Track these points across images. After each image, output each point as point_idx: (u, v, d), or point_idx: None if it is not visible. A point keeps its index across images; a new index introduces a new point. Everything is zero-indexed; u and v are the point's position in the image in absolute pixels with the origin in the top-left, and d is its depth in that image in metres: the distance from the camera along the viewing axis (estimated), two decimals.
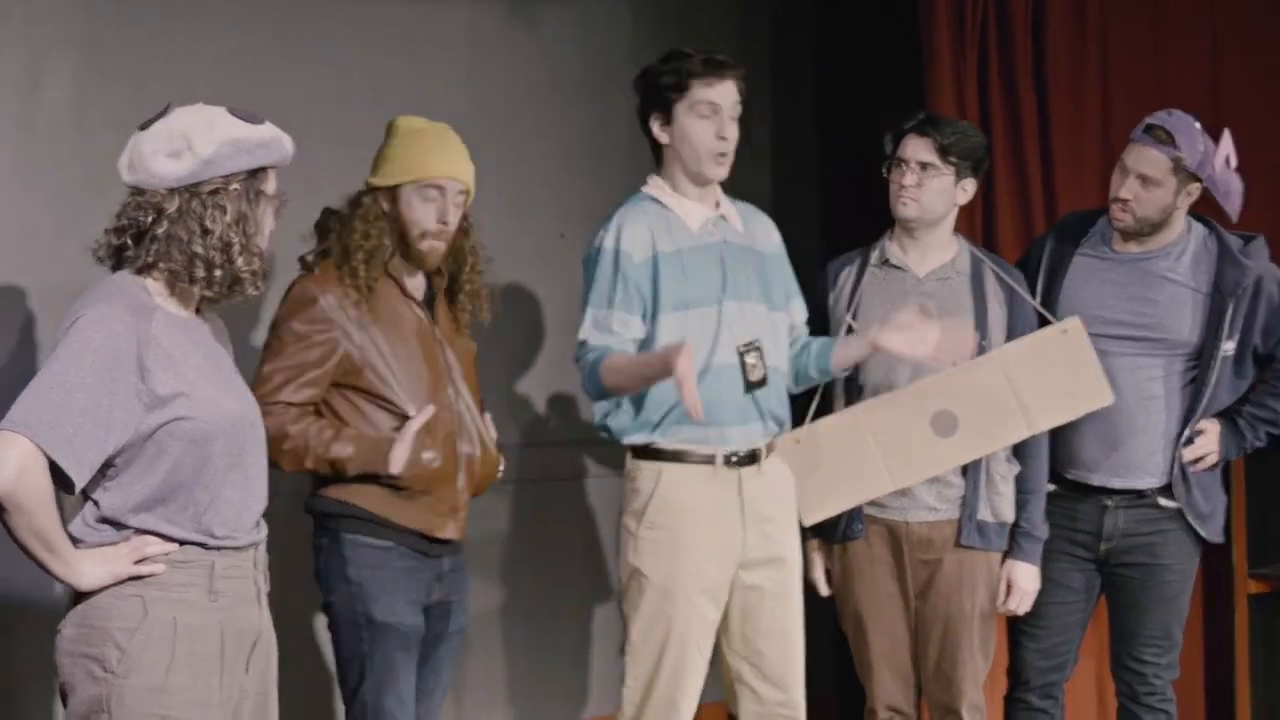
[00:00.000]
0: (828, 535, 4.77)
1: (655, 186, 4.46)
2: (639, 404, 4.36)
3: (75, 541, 3.27)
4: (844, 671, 5.30)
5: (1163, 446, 4.79)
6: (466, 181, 4.25)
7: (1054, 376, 4.65)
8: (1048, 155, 5.69)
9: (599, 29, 5.89)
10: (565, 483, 5.82)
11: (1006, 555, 4.74)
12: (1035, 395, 4.65)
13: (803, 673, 4.51)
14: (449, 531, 4.20)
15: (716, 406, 4.32)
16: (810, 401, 4.69)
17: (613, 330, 4.32)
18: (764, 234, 4.55)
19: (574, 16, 5.82)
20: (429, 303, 4.27)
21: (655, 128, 4.41)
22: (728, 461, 4.36)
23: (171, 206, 3.31)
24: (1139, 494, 4.80)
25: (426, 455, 4.11)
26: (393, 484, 4.10)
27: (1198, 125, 4.73)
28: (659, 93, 4.38)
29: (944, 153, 4.67)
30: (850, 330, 4.71)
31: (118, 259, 3.37)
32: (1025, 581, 4.73)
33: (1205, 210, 4.84)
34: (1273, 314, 4.80)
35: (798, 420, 4.65)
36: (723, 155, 4.35)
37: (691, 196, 4.42)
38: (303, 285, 4.13)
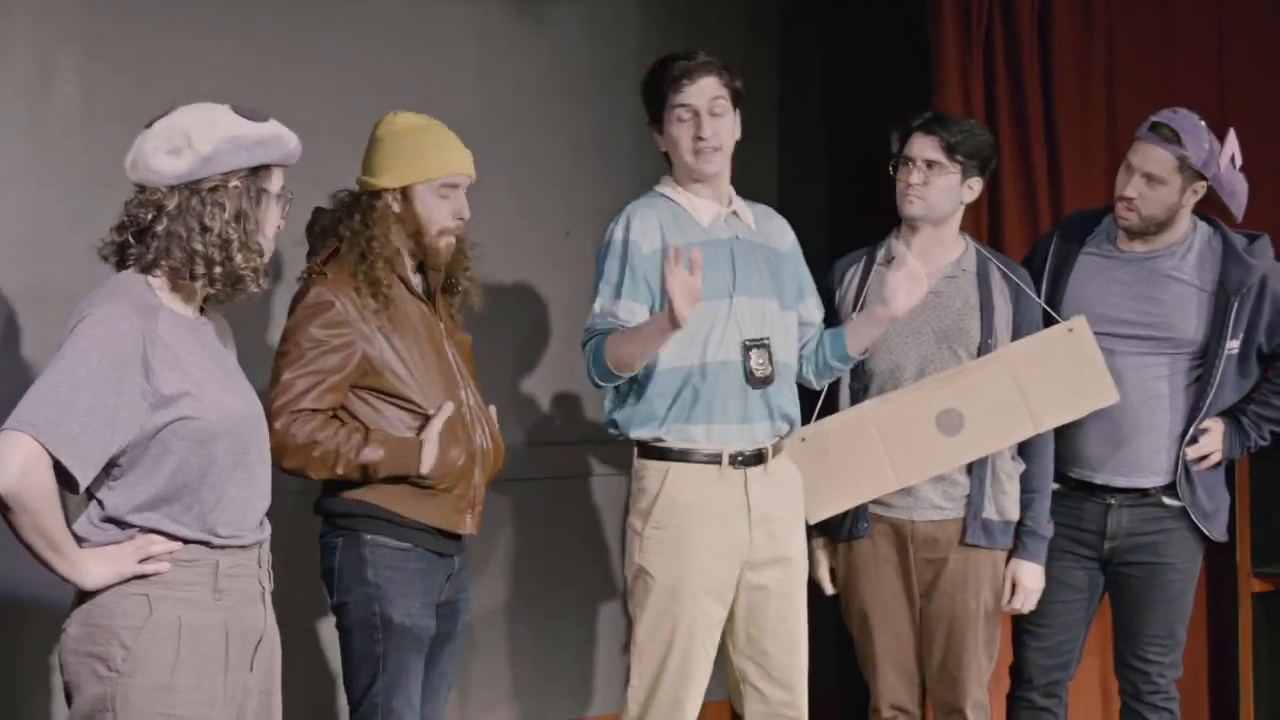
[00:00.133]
0: (833, 534, 4.78)
1: (667, 185, 4.47)
2: (643, 396, 4.37)
3: (80, 540, 3.29)
4: (846, 670, 5.31)
5: (1167, 445, 4.79)
6: (473, 175, 4.25)
7: (1060, 375, 4.65)
8: (1054, 153, 5.70)
9: (607, 27, 5.89)
10: (570, 481, 5.82)
11: (1011, 554, 4.75)
12: (1041, 394, 4.66)
13: (806, 673, 4.51)
14: (468, 527, 4.20)
15: (723, 402, 4.34)
16: (816, 400, 4.70)
17: (619, 317, 4.34)
18: (778, 233, 4.56)
19: (582, 14, 5.82)
20: (429, 297, 4.26)
21: (656, 137, 4.46)
22: (734, 461, 4.37)
23: (171, 204, 3.32)
24: (1143, 493, 4.81)
25: (453, 453, 4.11)
26: (418, 483, 4.09)
27: (1203, 124, 4.74)
28: (649, 103, 4.44)
29: (950, 151, 4.68)
30: None
31: (121, 257, 3.39)
32: (1030, 580, 4.74)
33: (1209, 209, 4.84)
34: (1277, 313, 4.80)
35: (804, 418, 4.66)
36: (709, 150, 4.35)
37: (702, 195, 4.43)
38: (317, 290, 4.08)
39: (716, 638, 4.43)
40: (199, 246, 3.32)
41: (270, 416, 3.91)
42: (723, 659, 4.51)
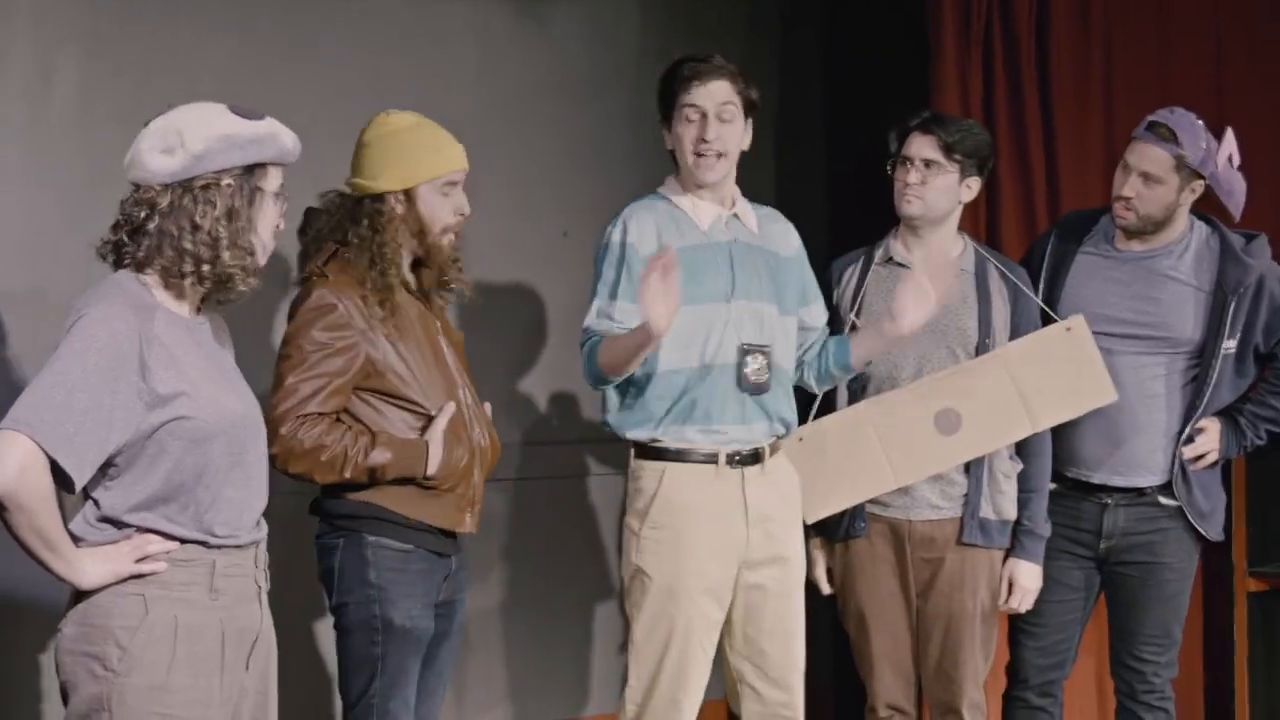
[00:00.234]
0: (830, 533, 4.78)
1: (669, 187, 4.48)
2: (641, 398, 4.38)
3: (76, 540, 3.29)
4: (843, 670, 5.31)
5: (1163, 445, 4.80)
6: (468, 168, 4.25)
7: (1058, 374, 4.66)
8: (1051, 153, 5.70)
9: (607, 27, 5.89)
10: (567, 481, 5.82)
11: (1009, 553, 4.75)
12: (1039, 393, 4.66)
13: (803, 673, 4.52)
14: (468, 525, 4.19)
15: (720, 405, 4.35)
16: (813, 399, 4.70)
17: (614, 319, 4.34)
18: (781, 237, 4.55)
19: (582, 14, 5.83)
20: (423, 295, 4.25)
21: (665, 136, 4.45)
22: (730, 461, 4.38)
23: (164, 202, 3.32)
24: (1139, 492, 4.81)
25: (457, 452, 4.11)
26: (422, 484, 4.08)
27: (1200, 123, 4.74)
28: (661, 103, 4.44)
29: (949, 150, 4.68)
30: (854, 328, 4.72)
31: (118, 256, 3.39)
32: (1027, 580, 4.74)
33: (1207, 209, 4.84)
34: (1274, 313, 4.80)
35: (801, 418, 4.66)
36: (705, 155, 4.35)
37: (704, 198, 4.43)
38: (319, 292, 4.05)
39: (714, 638, 4.43)
40: (188, 245, 3.32)
41: (275, 422, 3.91)
42: (720, 659, 4.51)
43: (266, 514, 3.52)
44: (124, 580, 3.29)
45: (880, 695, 4.79)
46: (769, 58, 6.26)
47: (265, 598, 3.49)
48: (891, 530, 4.72)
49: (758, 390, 4.37)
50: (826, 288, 4.80)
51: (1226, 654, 5.65)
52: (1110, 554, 4.84)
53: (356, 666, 4.11)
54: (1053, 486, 4.81)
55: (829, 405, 4.74)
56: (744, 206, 4.50)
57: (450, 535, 4.19)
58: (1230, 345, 4.78)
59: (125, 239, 3.36)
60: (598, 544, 5.86)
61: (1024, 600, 4.75)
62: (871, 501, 4.71)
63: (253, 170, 3.38)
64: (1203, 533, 4.85)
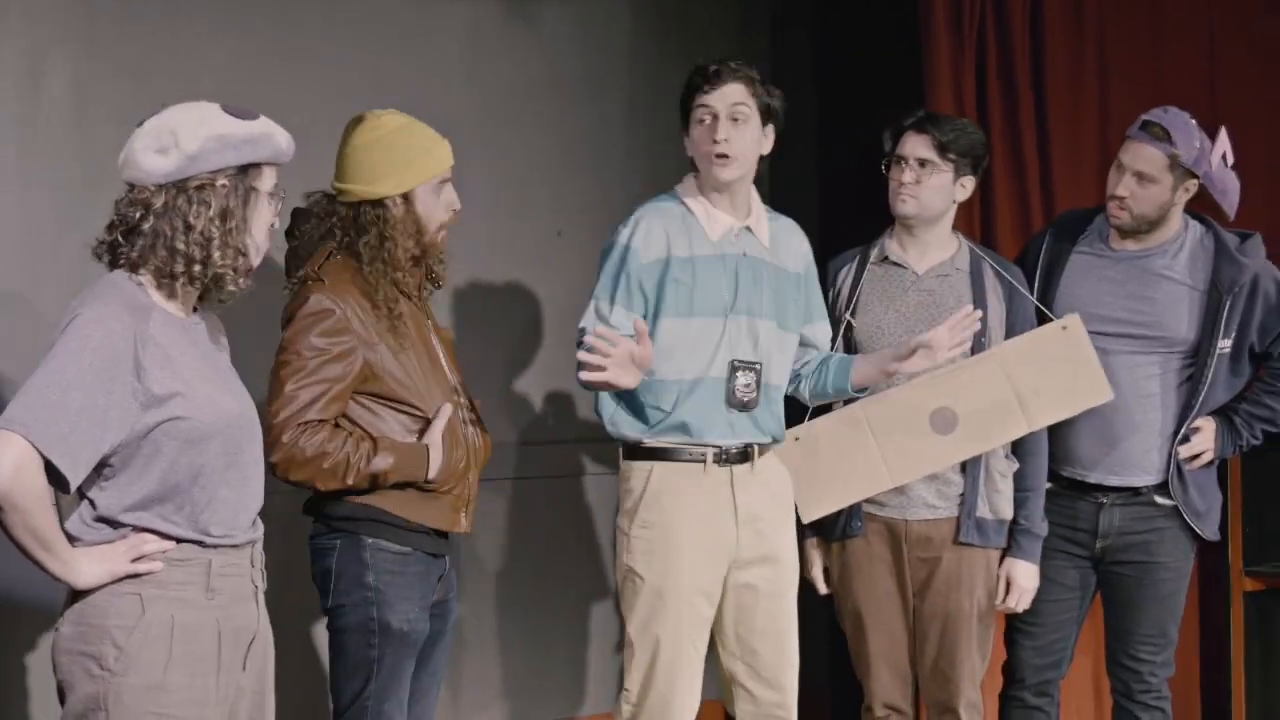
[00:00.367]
0: (826, 533, 4.78)
1: (686, 189, 4.47)
2: (634, 403, 4.39)
3: (72, 540, 3.28)
4: (839, 669, 5.31)
5: (1159, 444, 4.80)
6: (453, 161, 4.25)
7: (1054, 373, 4.65)
8: (1045, 153, 5.70)
9: (598, 27, 5.89)
10: (563, 480, 5.82)
11: (1005, 553, 4.75)
12: (1035, 392, 4.66)
13: (796, 673, 4.51)
14: (463, 525, 4.19)
15: (706, 419, 4.36)
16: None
17: (609, 323, 4.34)
18: (793, 252, 4.54)
19: (573, 14, 5.82)
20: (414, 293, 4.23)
21: (685, 141, 4.45)
22: (718, 460, 4.38)
23: (158, 202, 3.32)
24: (1135, 491, 4.81)
25: (456, 454, 4.10)
26: (422, 487, 4.07)
27: (1194, 122, 4.75)
28: (681, 108, 4.44)
29: (943, 150, 4.68)
30: (850, 328, 4.72)
31: (113, 256, 3.38)
32: (1024, 579, 4.74)
33: (1202, 208, 4.84)
34: (1269, 312, 4.81)
35: (798, 418, 4.66)
36: (719, 157, 4.35)
37: (720, 205, 4.42)
38: (316, 297, 4.02)
39: (705, 636, 4.43)
40: (181, 245, 3.32)
41: (275, 430, 3.89)
42: (714, 659, 4.51)
43: (264, 514, 3.52)
44: (120, 580, 3.28)
45: (877, 695, 4.79)
46: (761, 58, 6.22)
47: (262, 597, 3.48)
48: (888, 530, 4.72)
49: (745, 408, 4.37)
50: (821, 287, 4.80)
51: (1223, 653, 5.65)
52: (1106, 553, 4.84)
53: (352, 668, 4.10)
54: (1049, 486, 4.80)
55: (824, 405, 4.73)
56: (760, 218, 4.49)
57: (444, 535, 4.18)
58: (1225, 344, 4.78)
59: (120, 239, 3.36)
60: (594, 543, 5.85)
61: (1021, 600, 4.75)
62: (868, 501, 4.71)
63: (247, 170, 3.38)
64: (1199, 532, 4.85)
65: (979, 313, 4.55)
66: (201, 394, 3.33)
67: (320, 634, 4.62)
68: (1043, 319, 4.76)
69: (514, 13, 5.68)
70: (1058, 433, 4.79)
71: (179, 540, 3.32)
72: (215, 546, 3.36)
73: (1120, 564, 4.84)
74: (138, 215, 3.33)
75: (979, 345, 4.69)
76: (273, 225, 3.46)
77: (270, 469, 3.65)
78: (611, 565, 5.77)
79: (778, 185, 6.15)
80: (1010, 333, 4.73)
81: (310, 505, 4.14)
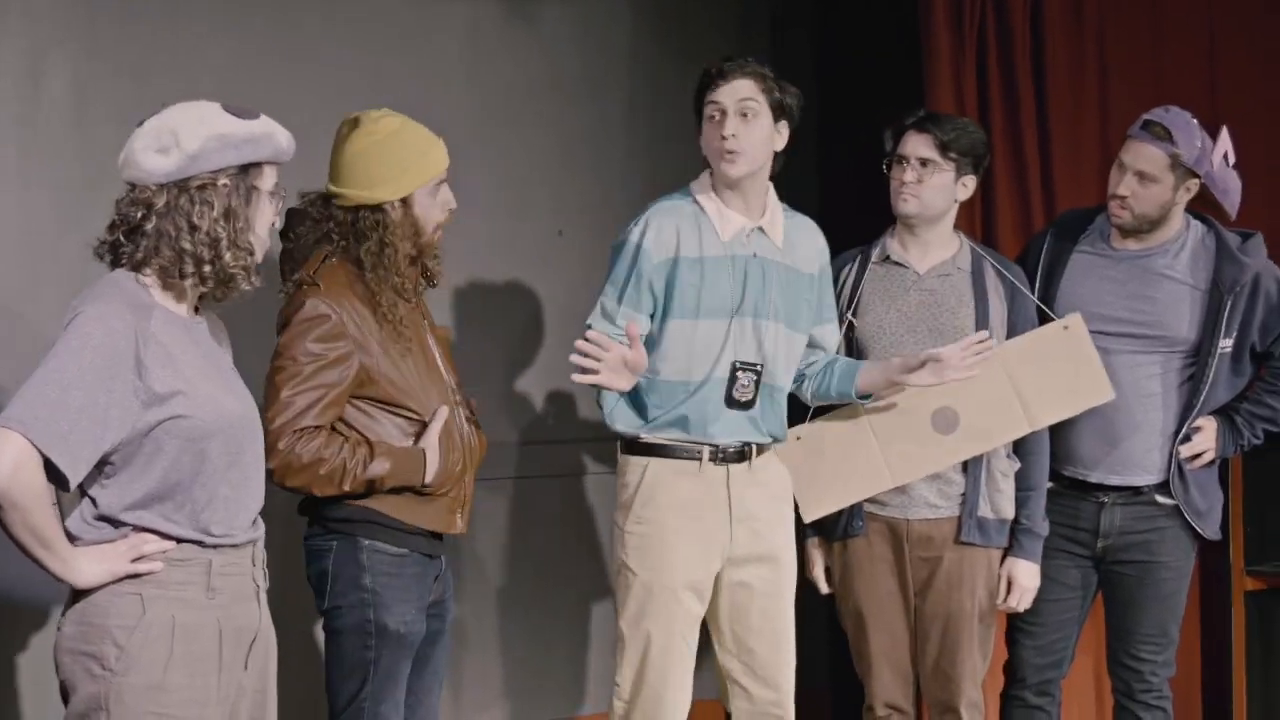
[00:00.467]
0: (828, 533, 4.78)
1: (700, 186, 4.46)
2: (636, 400, 4.40)
3: (73, 539, 3.27)
4: (839, 669, 5.31)
5: (1160, 443, 4.80)
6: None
7: (1055, 373, 4.65)
8: (1046, 152, 5.70)
9: (598, 27, 5.89)
10: (563, 479, 5.82)
11: (1007, 552, 4.75)
12: (1036, 392, 4.66)
13: (793, 672, 4.51)
14: (459, 526, 4.18)
15: (707, 418, 4.36)
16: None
17: (615, 323, 4.36)
18: (807, 254, 4.53)
19: (573, 14, 5.82)
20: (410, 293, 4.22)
21: (700, 140, 4.45)
22: (714, 458, 4.38)
23: (160, 202, 3.32)
24: (1136, 491, 4.81)
25: (453, 457, 4.10)
26: (419, 490, 4.06)
27: (1195, 122, 4.74)
28: (694, 106, 4.44)
29: (944, 149, 4.68)
30: (851, 327, 4.72)
31: (115, 256, 3.38)
32: (1026, 579, 4.74)
33: (1203, 207, 4.84)
34: (1270, 311, 4.80)
35: (799, 417, 4.66)
36: (727, 153, 4.34)
37: (733, 205, 4.41)
38: (312, 302, 4.00)
39: (695, 632, 4.43)
40: (187, 245, 3.32)
41: (271, 436, 3.87)
42: (712, 657, 4.51)
43: (264, 513, 3.51)
44: (121, 580, 3.28)
45: (878, 694, 4.79)
46: (761, 58, 6.25)
47: (264, 596, 3.48)
48: (889, 529, 4.72)
49: (742, 407, 4.37)
50: None
51: (1224, 653, 5.64)
52: (1107, 553, 4.84)
53: (348, 670, 4.09)
54: (1050, 485, 4.80)
55: (826, 406, 4.73)
56: (775, 218, 4.48)
57: (440, 536, 4.18)
58: (1226, 344, 4.78)
59: (122, 239, 3.35)
60: (594, 542, 5.85)
61: (1022, 599, 4.75)
62: (869, 501, 4.71)
63: (248, 169, 3.37)
64: (1200, 532, 4.85)
65: (993, 340, 4.55)
66: (203, 393, 3.33)
67: (321, 633, 4.62)
68: (1044, 318, 4.76)
69: (514, 13, 5.68)
70: (1059, 432, 4.78)
71: (179, 540, 3.32)
72: (216, 546, 3.36)
73: (1121, 563, 4.84)
74: (139, 215, 3.33)
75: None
76: (274, 224, 3.46)
77: (267, 475, 3.64)
78: (611, 565, 5.77)
79: (779, 185, 6.14)
80: (1012, 332, 4.73)
81: (305, 506, 4.13)
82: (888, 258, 4.78)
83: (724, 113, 4.35)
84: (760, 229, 4.43)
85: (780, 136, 4.42)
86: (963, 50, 5.65)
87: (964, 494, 4.69)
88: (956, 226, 4.83)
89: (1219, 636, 5.69)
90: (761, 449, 4.44)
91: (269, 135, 3.40)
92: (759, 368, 4.38)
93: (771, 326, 4.40)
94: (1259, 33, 5.72)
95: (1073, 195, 5.57)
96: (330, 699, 4.13)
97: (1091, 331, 4.69)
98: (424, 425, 4.08)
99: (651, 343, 4.39)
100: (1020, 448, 4.75)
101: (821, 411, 4.72)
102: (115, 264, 3.38)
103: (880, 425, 4.67)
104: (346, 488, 3.99)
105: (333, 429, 4.02)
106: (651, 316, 4.38)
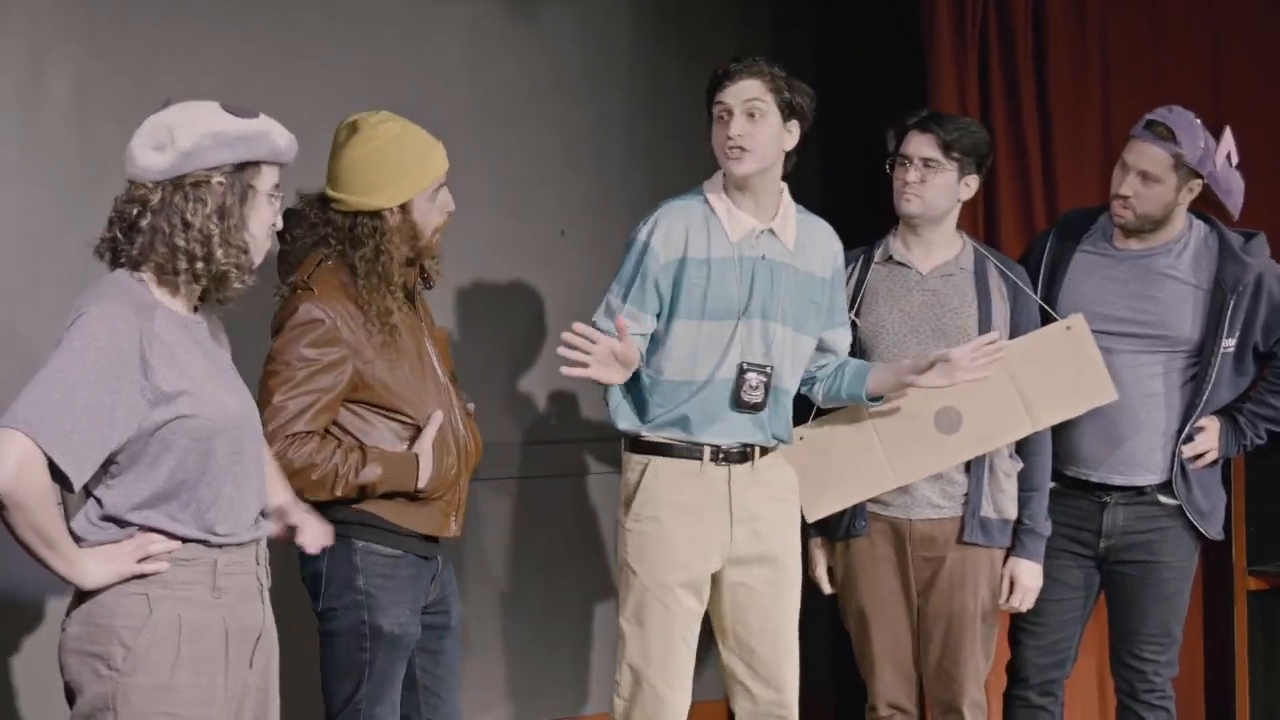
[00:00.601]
0: (830, 533, 4.78)
1: (712, 186, 4.46)
2: (641, 397, 4.41)
3: (78, 539, 3.26)
4: (842, 669, 5.31)
5: (1163, 443, 4.80)
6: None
7: (1058, 373, 4.65)
8: (1049, 152, 5.70)
9: (600, 26, 5.88)
10: (565, 479, 5.82)
11: (1009, 552, 4.75)
12: (1039, 392, 4.66)
13: (796, 673, 4.51)
14: (453, 530, 4.18)
15: (708, 417, 4.36)
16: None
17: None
18: (819, 256, 4.51)
19: (575, 14, 5.82)
20: (408, 296, 4.20)
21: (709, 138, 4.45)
22: (715, 458, 4.38)
23: (155, 199, 3.31)
24: (1139, 491, 4.81)
25: (447, 461, 4.09)
26: (412, 495, 4.06)
27: (1198, 122, 4.74)
28: (705, 108, 4.43)
29: (947, 149, 4.68)
30: (854, 327, 4.71)
31: (114, 253, 3.37)
32: (1028, 579, 4.74)
33: (1206, 208, 4.84)
34: (1273, 311, 4.80)
35: (802, 417, 4.65)
36: (734, 150, 4.34)
37: (743, 206, 4.41)
38: (305, 306, 4.00)
39: (695, 631, 4.43)
40: (180, 242, 3.30)
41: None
42: (717, 656, 4.51)
43: (264, 513, 3.50)
44: (127, 580, 3.27)
45: (881, 694, 4.79)
46: (769, 58, 6.25)
47: (267, 595, 3.48)
48: (892, 529, 4.72)
49: (751, 409, 4.37)
50: None
51: (1227, 653, 5.65)
52: (1110, 553, 4.84)
53: (343, 672, 4.10)
54: (1052, 485, 4.80)
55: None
56: (787, 220, 4.47)
57: (435, 538, 4.18)
58: (1229, 344, 4.78)
59: (120, 236, 3.35)
60: (597, 542, 5.85)
61: (1025, 599, 4.75)
62: (872, 501, 4.71)
63: (244, 168, 3.36)
64: (1202, 531, 4.85)
65: (1004, 342, 4.54)
66: (207, 392, 3.32)
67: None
68: (1047, 319, 4.76)
69: (515, 12, 5.67)
70: (1062, 432, 4.78)
71: (185, 540, 3.31)
72: (221, 545, 3.35)
73: (1124, 563, 4.84)
74: (135, 212, 3.32)
75: None
76: (273, 225, 3.45)
77: None
78: (614, 564, 5.76)
79: None
80: (1014, 332, 4.73)
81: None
82: (890, 258, 4.78)
83: (731, 113, 4.34)
84: (771, 231, 4.42)
85: (791, 136, 4.41)
86: (965, 50, 5.64)
87: (967, 494, 4.69)
88: (959, 226, 4.83)
89: (1221, 636, 5.69)
90: (765, 450, 4.44)
91: (265, 134, 3.38)
92: (769, 370, 4.38)
93: (779, 329, 4.40)
94: (1261, 32, 5.72)
95: (1075, 195, 5.57)
96: (326, 700, 4.13)
97: (1094, 331, 4.69)
98: (419, 430, 4.08)
99: (657, 342, 4.39)
100: (1023, 448, 4.75)
101: (824, 411, 4.71)
102: (114, 262, 3.37)
103: (883, 426, 4.67)
104: (338, 493, 3.99)
105: (327, 433, 4.01)
106: (658, 316, 4.38)
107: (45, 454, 3.15)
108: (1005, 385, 4.64)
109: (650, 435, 4.40)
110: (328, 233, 4.10)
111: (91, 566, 3.25)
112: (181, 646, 3.28)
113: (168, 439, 3.26)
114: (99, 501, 3.28)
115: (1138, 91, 5.59)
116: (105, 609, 3.27)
